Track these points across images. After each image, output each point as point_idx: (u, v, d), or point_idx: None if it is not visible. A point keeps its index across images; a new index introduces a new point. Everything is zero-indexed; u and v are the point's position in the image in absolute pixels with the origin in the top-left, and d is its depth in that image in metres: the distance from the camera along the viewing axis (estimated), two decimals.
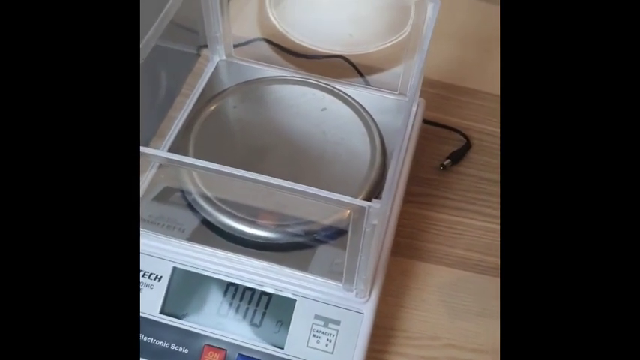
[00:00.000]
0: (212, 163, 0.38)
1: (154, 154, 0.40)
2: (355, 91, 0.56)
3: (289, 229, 0.47)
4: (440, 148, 0.61)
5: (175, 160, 0.39)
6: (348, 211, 0.47)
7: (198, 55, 0.68)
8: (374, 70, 0.64)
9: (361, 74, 0.64)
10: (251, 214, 0.47)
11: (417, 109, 0.56)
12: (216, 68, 0.59)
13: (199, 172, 0.48)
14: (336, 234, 0.48)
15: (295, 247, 0.47)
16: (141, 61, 0.45)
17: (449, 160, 0.60)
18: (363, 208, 0.36)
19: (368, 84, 0.61)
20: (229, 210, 0.47)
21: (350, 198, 0.36)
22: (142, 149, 0.39)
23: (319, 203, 0.37)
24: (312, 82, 0.56)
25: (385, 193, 0.37)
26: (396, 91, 0.56)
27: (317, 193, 0.36)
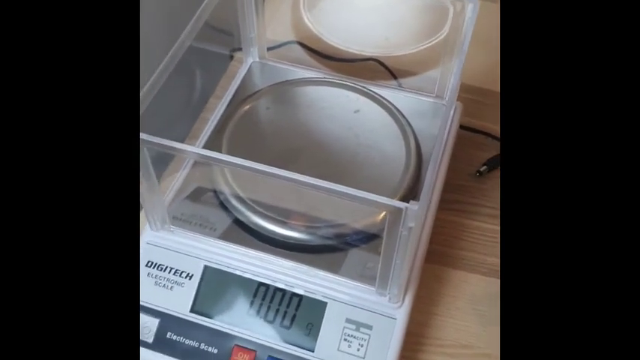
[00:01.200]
0: (246, 160, 0.38)
1: (188, 149, 0.39)
2: (389, 93, 0.55)
3: (321, 231, 0.46)
4: (475, 154, 0.60)
5: (210, 157, 0.39)
6: (382, 215, 0.47)
7: (231, 58, 0.69)
8: (408, 73, 0.64)
9: (395, 77, 0.63)
10: (283, 215, 0.46)
11: (454, 113, 0.55)
12: (249, 70, 0.59)
13: (232, 172, 0.48)
14: (369, 238, 0.47)
15: (327, 249, 0.47)
16: (176, 60, 0.45)
17: (485, 167, 0.59)
18: (400, 210, 0.35)
19: (401, 87, 0.61)
20: (261, 210, 0.46)
21: (387, 199, 0.36)
22: (177, 145, 0.39)
23: (353, 205, 0.36)
24: (345, 84, 0.55)
25: (423, 195, 0.36)
26: (432, 94, 0.55)
27: (354, 193, 0.36)
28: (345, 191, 0.36)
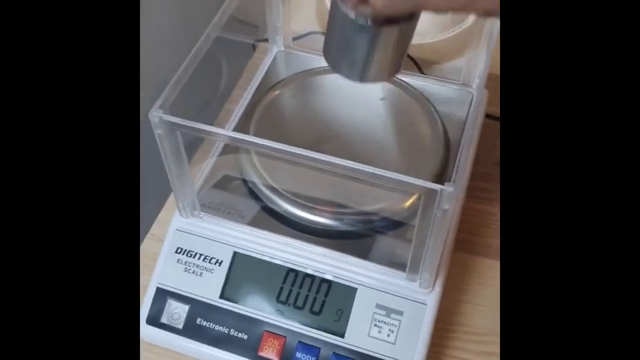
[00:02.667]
0: (278, 143, 0.38)
1: (223, 132, 0.40)
2: (415, 81, 0.55)
3: (349, 217, 0.46)
4: (499, 143, 0.60)
5: (244, 140, 0.39)
6: (410, 201, 0.47)
7: (254, 48, 0.69)
8: (431, 62, 0.63)
9: (418, 66, 0.63)
10: (311, 201, 0.46)
11: (481, 100, 0.55)
12: (274, 59, 0.59)
13: (260, 158, 0.48)
14: (397, 224, 0.47)
15: (355, 235, 0.47)
16: (203, 51, 0.45)
17: None
18: (435, 191, 0.35)
19: (425, 75, 0.60)
20: (290, 196, 0.46)
21: (421, 180, 0.36)
22: (211, 128, 0.39)
23: (381, 191, 0.36)
24: None
25: (458, 177, 0.36)
26: (459, 81, 0.55)
27: (389, 175, 0.36)
28: (380, 174, 0.36)
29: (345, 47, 0.26)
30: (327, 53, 0.29)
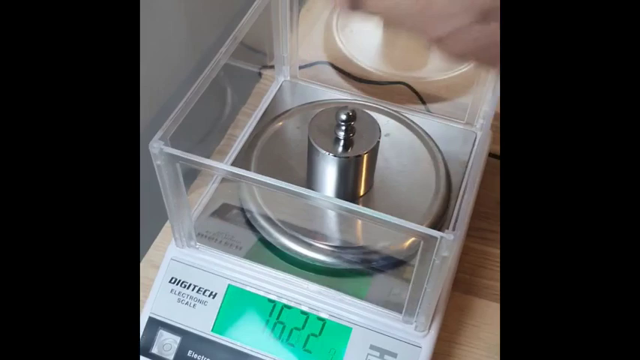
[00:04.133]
0: (277, 180, 0.38)
1: (224, 168, 0.39)
2: (419, 118, 0.55)
3: (348, 255, 0.46)
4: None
5: (241, 175, 0.39)
6: (409, 241, 0.46)
7: (260, 75, 0.69)
8: (436, 98, 0.63)
9: (423, 102, 0.63)
10: (310, 237, 0.46)
11: (485, 141, 0.54)
12: (280, 88, 0.59)
13: (260, 190, 0.48)
14: (396, 263, 0.46)
15: (353, 273, 0.46)
16: (211, 78, 0.45)
17: None
18: (434, 239, 0.35)
19: (429, 112, 0.60)
20: (289, 231, 0.46)
21: (421, 227, 0.35)
22: (212, 162, 0.39)
23: (381, 229, 0.36)
24: (375, 107, 0.55)
25: (459, 225, 0.35)
26: (463, 120, 0.55)
27: (387, 219, 0.35)
28: (379, 217, 0.35)
29: None
30: None
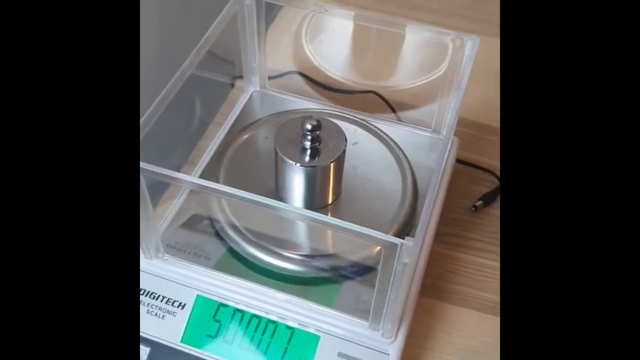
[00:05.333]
0: (241, 191, 0.38)
1: (187, 179, 0.39)
2: (387, 126, 0.55)
3: (316, 263, 0.46)
4: (471, 188, 0.60)
5: (205, 187, 0.39)
6: (377, 248, 0.46)
7: (232, 86, 0.69)
8: (406, 106, 0.64)
9: (393, 110, 0.64)
10: (278, 246, 0.46)
11: (451, 147, 0.55)
12: (250, 99, 0.59)
13: (229, 201, 0.48)
14: (364, 270, 0.47)
15: (321, 281, 0.46)
16: (176, 89, 0.45)
17: (480, 202, 0.59)
18: (395, 245, 0.35)
19: (399, 120, 0.61)
20: (257, 241, 0.46)
21: (382, 234, 0.36)
22: (174, 174, 0.39)
23: (348, 237, 0.37)
24: (344, 116, 0.56)
25: (418, 231, 0.36)
26: (430, 128, 0.55)
27: (348, 227, 0.36)
28: (341, 225, 0.36)
29: None
30: None
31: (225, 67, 0.68)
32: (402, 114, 0.63)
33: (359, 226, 0.35)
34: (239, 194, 0.38)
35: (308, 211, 0.37)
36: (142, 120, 0.41)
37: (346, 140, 0.47)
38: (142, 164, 0.38)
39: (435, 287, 0.53)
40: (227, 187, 0.38)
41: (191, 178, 0.39)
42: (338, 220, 0.36)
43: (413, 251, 0.35)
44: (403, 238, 0.35)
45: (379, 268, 0.37)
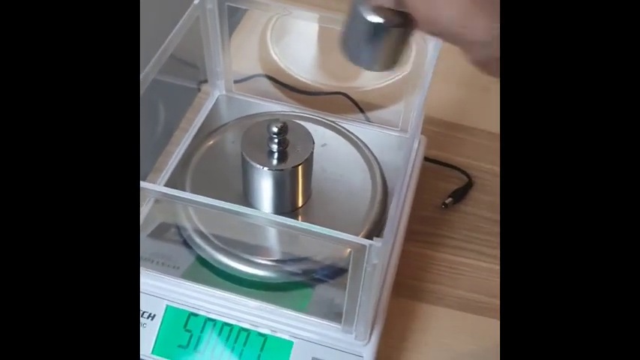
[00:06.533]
0: (208, 198, 0.37)
1: (151, 188, 0.39)
2: (356, 127, 0.55)
3: (287, 268, 0.46)
4: (441, 186, 0.60)
5: (171, 195, 0.38)
6: (348, 250, 0.46)
7: (199, 90, 0.68)
8: (375, 107, 0.64)
9: (362, 111, 0.64)
10: (247, 252, 0.45)
11: (419, 146, 0.55)
12: (216, 103, 0.59)
13: (196, 208, 0.47)
14: (335, 273, 0.46)
15: (293, 286, 0.46)
16: (140, 93, 0.44)
17: (450, 199, 0.59)
18: (363, 247, 0.35)
19: (368, 121, 0.61)
20: (225, 247, 0.45)
21: (350, 236, 0.35)
22: (141, 184, 0.38)
23: (318, 241, 0.36)
24: (312, 118, 0.55)
25: (387, 232, 0.36)
26: (397, 127, 0.55)
27: (316, 230, 0.35)
28: (309, 229, 0.35)
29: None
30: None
31: (190, 71, 0.67)
32: (371, 114, 0.63)
33: (327, 229, 0.35)
34: (206, 202, 0.37)
35: (276, 216, 0.37)
36: None
37: (314, 142, 0.46)
38: None
39: (408, 286, 0.53)
40: (194, 195, 0.37)
41: (155, 186, 0.38)
42: (306, 224, 0.36)
43: (382, 252, 0.35)
44: (372, 239, 0.35)
45: (349, 270, 0.37)
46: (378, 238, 0.35)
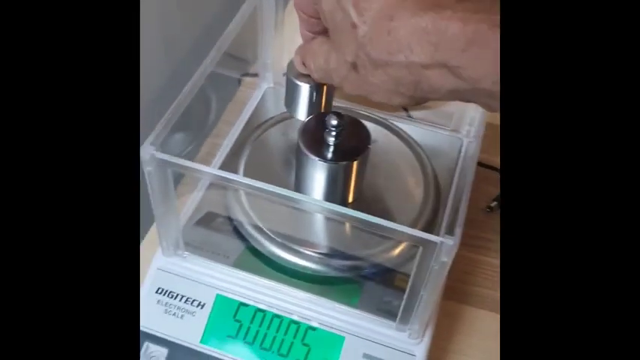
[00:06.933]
0: (266, 184, 0.37)
1: (218, 174, 0.38)
2: (404, 124, 0.55)
3: (338, 262, 0.45)
4: (486, 189, 0.60)
5: (239, 182, 0.38)
6: (400, 248, 0.46)
7: (239, 83, 0.68)
8: (420, 106, 0.63)
9: (406, 109, 0.63)
10: (299, 244, 0.45)
11: (477, 148, 0.55)
12: (263, 95, 0.58)
13: (248, 198, 0.47)
14: (385, 271, 0.46)
15: (342, 281, 0.45)
16: (197, 87, 0.44)
17: (495, 202, 0.58)
18: (434, 244, 0.34)
19: (410, 117, 0.60)
20: (278, 238, 0.45)
21: (420, 232, 0.35)
22: (203, 167, 0.38)
23: (370, 236, 0.36)
24: (362, 114, 0.55)
25: (457, 230, 0.35)
26: (448, 127, 0.55)
27: (385, 224, 0.35)
28: (378, 222, 0.35)
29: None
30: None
31: (236, 63, 0.67)
32: (414, 114, 0.63)
33: (397, 224, 0.35)
34: (272, 189, 0.36)
35: (344, 208, 0.36)
36: (163, 118, 0.40)
37: (371, 137, 0.46)
38: (172, 158, 0.37)
39: (454, 289, 0.53)
40: (260, 182, 0.37)
41: (229, 174, 0.38)
42: (375, 217, 0.35)
43: (452, 250, 0.34)
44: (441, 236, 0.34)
45: (414, 266, 0.37)
46: (449, 236, 0.34)
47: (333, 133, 0.44)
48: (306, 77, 0.43)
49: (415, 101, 0.35)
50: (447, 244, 0.34)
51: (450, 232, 0.35)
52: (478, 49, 0.29)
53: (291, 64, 0.43)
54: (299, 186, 0.47)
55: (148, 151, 0.37)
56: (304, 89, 0.43)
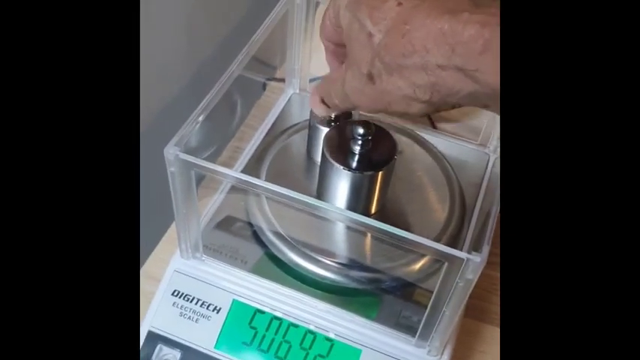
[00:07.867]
0: (296, 193, 0.36)
1: (243, 178, 0.38)
2: (430, 137, 0.54)
3: (358, 274, 0.44)
4: None
5: (262, 187, 0.37)
6: (422, 262, 0.45)
7: (264, 88, 0.68)
8: (445, 119, 0.63)
9: (431, 120, 0.62)
10: (319, 253, 0.44)
11: None
12: (289, 101, 0.58)
13: (270, 204, 0.46)
14: (405, 285, 0.45)
15: (361, 293, 0.45)
16: (224, 90, 0.43)
17: None
18: (460, 260, 0.33)
19: (434, 127, 0.60)
20: (298, 246, 0.44)
21: (447, 247, 0.34)
22: (227, 170, 0.37)
23: (395, 249, 0.35)
24: (389, 124, 0.54)
25: (485, 247, 0.34)
26: (475, 141, 0.54)
27: (411, 237, 0.34)
28: (402, 235, 0.34)
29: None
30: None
31: (262, 67, 0.66)
32: (440, 126, 0.62)
33: (425, 239, 0.34)
34: (295, 196, 0.36)
35: (370, 219, 0.35)
36: (189, 119, 0.39)
37: (397, 147, 0.45)
38: (194, 159, 0.37)
39: (474, 307, 0.51)
40: (285, 188, 0.36)
41: (252, 179, 0.37)
42: (400, 230, 0.34)
43: (479, 267, 0.33)
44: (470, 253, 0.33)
45: (439, 281, 0.36)
46: (477, 253, 0.33)
47: (359, 142, 0.44)
48: (326, 122, 0.47)
49: (434, 107, 0.34)
50: (473, 261, 0.33)
51: (476, 248, 0.34)
52: (495, 52, 0.28)
53: (312, 113, 0.47)
54: (321, 194, 0.47)
55: (172, 152, 0.36)
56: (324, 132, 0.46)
